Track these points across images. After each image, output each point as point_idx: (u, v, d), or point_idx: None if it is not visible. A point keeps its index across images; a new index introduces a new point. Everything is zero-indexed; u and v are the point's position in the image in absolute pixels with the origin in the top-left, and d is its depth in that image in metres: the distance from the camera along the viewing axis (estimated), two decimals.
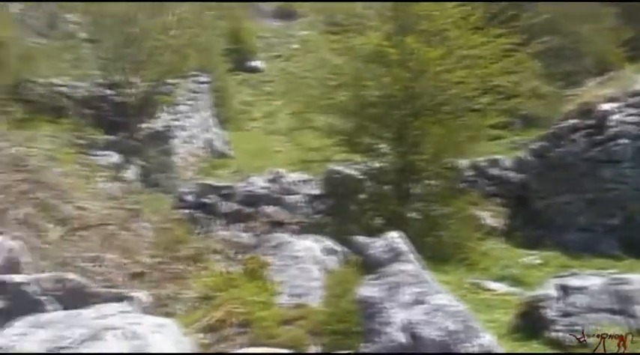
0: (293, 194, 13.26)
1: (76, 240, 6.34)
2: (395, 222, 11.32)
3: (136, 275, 5.80)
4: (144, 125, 15.38)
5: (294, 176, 13.67)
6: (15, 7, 24.43)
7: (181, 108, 17.77)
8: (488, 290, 9.09)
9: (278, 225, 11.27)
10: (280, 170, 13.88)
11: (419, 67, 11.51)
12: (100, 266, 5.92)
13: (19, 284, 3.60)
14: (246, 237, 9.46)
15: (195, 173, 16.92)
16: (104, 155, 12.80)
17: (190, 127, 18.10)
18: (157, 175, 14.22)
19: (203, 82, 20.34)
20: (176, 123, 16.81)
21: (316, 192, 13.50)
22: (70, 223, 6.60)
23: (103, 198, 7.77)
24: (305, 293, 4.47)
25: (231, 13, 27.78)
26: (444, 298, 3.95)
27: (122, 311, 3.32)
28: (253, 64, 28.95)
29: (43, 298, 3.60)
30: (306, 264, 4.75)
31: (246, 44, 29.08)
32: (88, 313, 3.27)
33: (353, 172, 13.22)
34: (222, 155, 19.97)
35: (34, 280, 3.66)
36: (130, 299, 3.72)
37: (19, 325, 3.28)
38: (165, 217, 8.81)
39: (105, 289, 3.88)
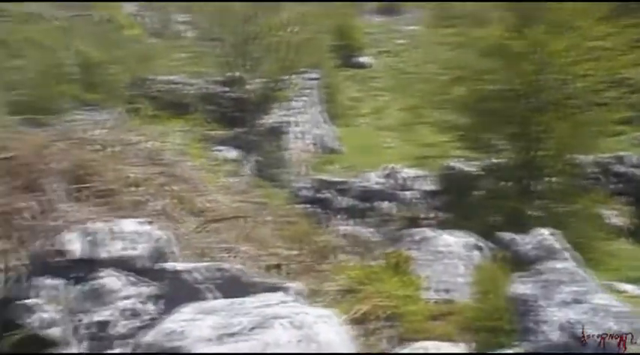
0: (408, 190, 13.15)
1: (210, 232, 6.49)
2: (515, 219, 11.04)
3: (272, 267, 5.87)
4: (259, 121, 15.68)
5: (409, 172, 13.56)
6: (130, 8, 25.54)
7: (293, 104, 18.01)
8: (622, 292, 8.67)
9: (412, 220, 11.19)
10: (395, 166, 13.81)
11: (543, 60, 11.14)
12: (234, 257, 6.03)
13: (179, 272, 3.71)
14: (368, 232, 9.45)
15: (307, 168, 17.09)
16: (223, 150, 13.14)
17: (302, 123, 18.31)
18: (271, 170, 14.46)
19: (313, 79, 20.53)
20: (289, 118, 17.05)
21: (432, 188, 13.33)
22: (204, 215, 6.76)
23: (230, 191, 7.92)
24: (452, 289, 4.39)
25: (338, 11, 27.89)
26: (605, 298, 3.78)
27: (283, 301, 3.36)
28: (360, 59, 28.97)
29: (202, 286, 3.69)
30: (450, 259, 4.67)
31: (353, 40, 29.13)
32: (251, 302, 3.32)
33: (470, 168, 12.98)
34: (332, 151, 20.08)
35: (193, 268, 3.76)
36: (286, 289, 3.77)
37: (186, 311, 3.36)
38: (290, 211, 8.92)
39: (261, 279, 3.94)
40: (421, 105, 15.92)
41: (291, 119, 17.16)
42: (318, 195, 12.88)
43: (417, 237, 5.21)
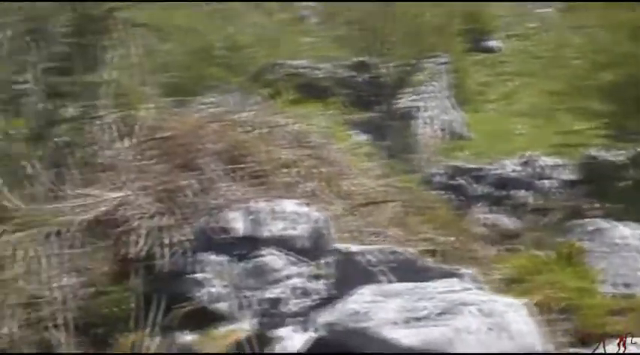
0: (546, 178, 12.68)
1: (357, 215, 6.47)
2: None
3: (425, 253, 5.79)
4: (391, 105, 15.64)
5: (547, 160, 13.07)
6: None
7: (423, 88, 17.82)
8: None
9: (575, 210, 10.78)
10: (532, 153, 13.36)
11: None
12: (383, 241, 6.00)
13: (353, 253, 3.70)
14: (510, 222, 9.18)
15: (437, 154, 16.88)
16: (357, 133, 13.14)
17: (431, 108, 18.09)
18: (403, 155, 14.36)
19: (442, 63, 20.20)
20: (418, 103, 16.90)
21: (572, 177, 12.79)
22: (351, 198, 6.76)
23: (373, 175, 7.89)
24: (632, 283, 4.16)
25: None
26: None
27: (467, 288, 3.29)
28: (489, 43, 28.19)
29: (375, 269, 3.67)
30: (628, 251, 4.43)
31: (482, 24, 28.38)
32: (434, 287, 3.27)
33: (614, 158, 12.37)
34: (460, 137, 19.73)
35: (367, 250, 3.75)
36: (461, 276, 3.69)
37: (366, 293, 3.35)
38: (429, 197, 8.81)
39: (436, 264, 3.88)
40: (556, 90, 15.27)
41: (421, 104, 16.98)
42: (452, 182, 12.65)
43: (589, 228, 4.98)
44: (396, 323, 3.03)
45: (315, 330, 3.53)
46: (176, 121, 7.09)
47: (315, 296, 4.05)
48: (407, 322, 3.02)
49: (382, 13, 15.61)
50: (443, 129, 18.90)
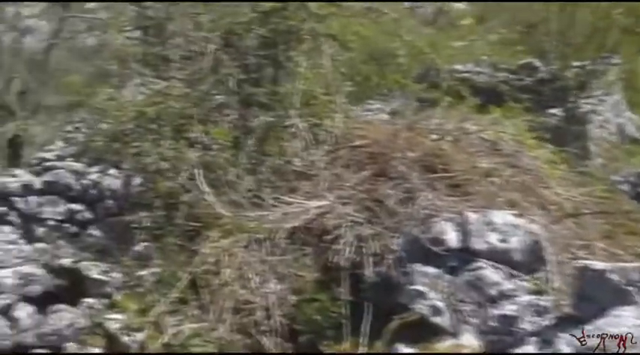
0: None
1: (565, 226, 6.14)
2: None
3: None
4: (567, 109, 14.98)
5: None
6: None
7: (595, 91, 16.92)
8: None
9: None
10: None
11: None
12: (594, 254, 5.65)
13: (603, 271, 3.47)
14: None
15: (615, 160, 15.91)
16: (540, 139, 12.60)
17: (604, 111, 17.13)
18: (582, 162, 13.65)
19: (613, 64, 19.13)
20: (593, 107, 16.04)
21: None
22: (550, 208, 6.44)
23: (568, 183, 7.51)
24: None
25: None
26: None
27: None
28: None
29: (629, 288, 3.42)
30: None
31: None
32: None
33: None
34: (634, 141, 18.56)
35: (615, 268, 3.50)
36: None
37: (625, 315, 3.12)
38: (626, 205, 8.27)
39: None
40: None
41: (595, 108, 16.12)
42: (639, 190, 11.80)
43: None
44: None
45: (559, 352, 3.34)
46: (367, 129, 7.08)
47: (550, 315, 3.83)
48: None
49: (557, 13, 14.97)
50: (616, 134, 17.85)
